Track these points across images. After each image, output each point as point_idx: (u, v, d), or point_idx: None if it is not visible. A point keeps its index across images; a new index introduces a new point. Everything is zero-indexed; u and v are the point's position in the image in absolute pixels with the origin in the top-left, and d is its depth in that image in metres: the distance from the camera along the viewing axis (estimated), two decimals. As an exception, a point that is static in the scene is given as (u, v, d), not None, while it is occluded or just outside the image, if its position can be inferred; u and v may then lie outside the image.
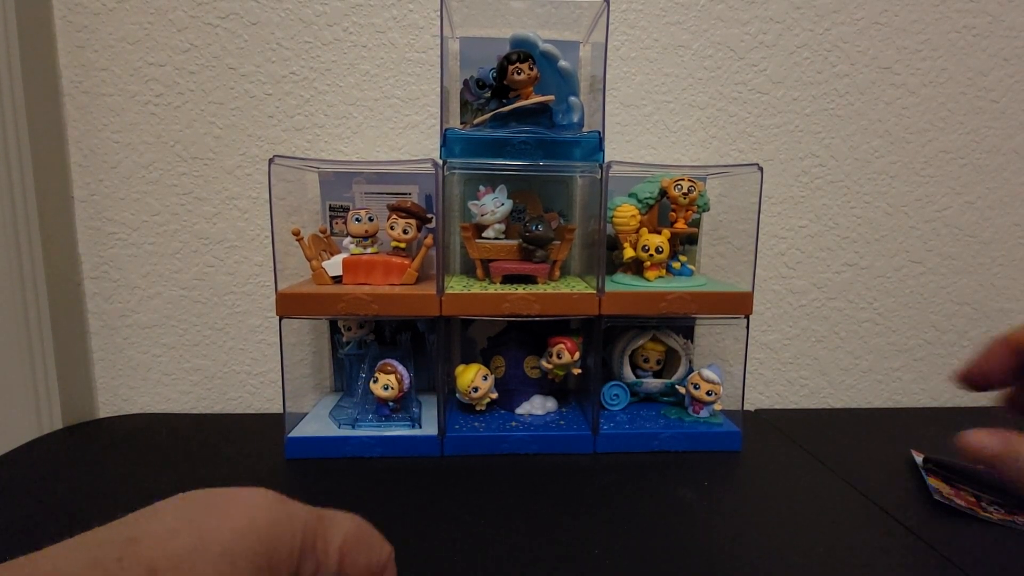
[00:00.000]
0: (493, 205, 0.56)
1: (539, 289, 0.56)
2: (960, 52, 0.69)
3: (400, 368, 0.57)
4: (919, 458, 0.56)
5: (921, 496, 0.50)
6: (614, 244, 0.62)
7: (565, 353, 0.58)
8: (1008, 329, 0.27)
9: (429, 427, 0.58)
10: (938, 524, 0.45)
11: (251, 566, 0.18)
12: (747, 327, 0.60)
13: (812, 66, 0.69)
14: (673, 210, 0.61)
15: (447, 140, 0.54)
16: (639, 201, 0.60)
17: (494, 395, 0.59)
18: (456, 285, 0.57)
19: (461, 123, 0.63)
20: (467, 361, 0.60)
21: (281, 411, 0.57)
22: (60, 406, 0.63)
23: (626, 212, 0.59)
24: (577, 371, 0.59)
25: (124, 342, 0.68)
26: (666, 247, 0.58)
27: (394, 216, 0.57)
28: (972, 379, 0.27)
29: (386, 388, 0.56)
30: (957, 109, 0.71)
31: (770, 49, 0.68)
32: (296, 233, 0.55)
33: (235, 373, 0.70)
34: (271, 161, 0.53)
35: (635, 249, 0.59)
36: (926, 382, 0.77)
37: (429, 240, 0.56)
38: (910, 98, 0.70)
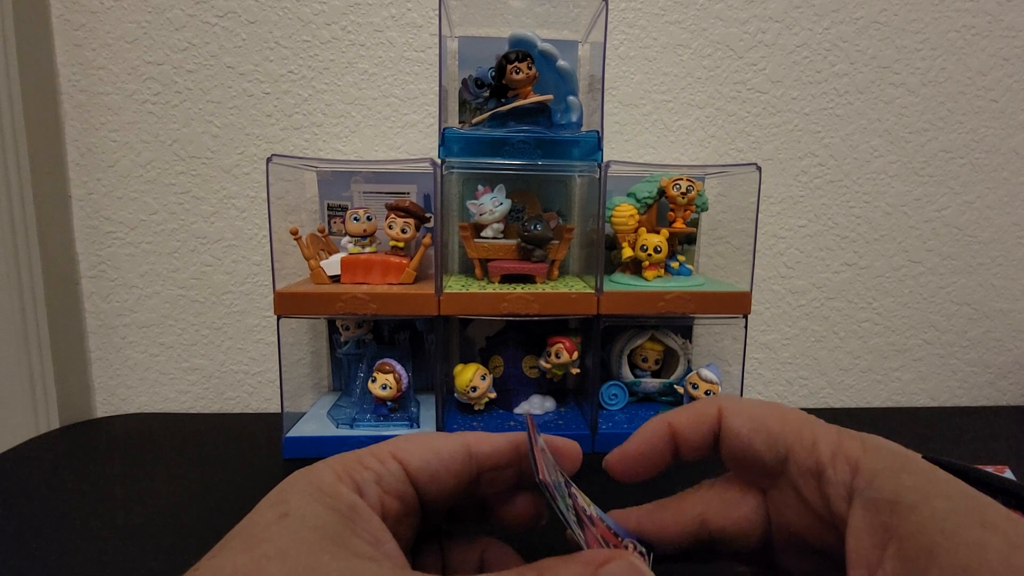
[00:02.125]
0: (491, 204, 0.56)
1: (537, 289, 0.56)
2: (959, 52, 0.69)
3: (398, 368, 0.57)
4: (918, 458, 0.56)
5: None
6: (612, 244, 0.62)
7: (563, 353, 0.58)
8: (668, 415, 0.24)
9: (427, 427, 0.58)
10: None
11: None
12: (745, 327, 0.60)
13: (811, 65, 0.69)
14: (672, 210, 0.61)
15: (445, 139, 0.54)
16: (637, 201, 0.60)
17: (492, 395, 0.59)
18: (454, 285, 0.57)
19: (459, 122, 0.63)
20: (465, 361, 0.60)
21: (279, 411, 0.57)
22: (57, 405, 0.63)
23: (624, 212, 0.59)
24: (575, 371, 0.59)
25: (122, 341, 0.68)
26: (664, 247, 0.58)
27: (392, 215, 0.57)
28: (625, 470, 0.24)
29: (384, 388, 0.56)
30: (956, 109, 0.71)
31: (769, 48, 0.68)
32: (294, 232, 0.55)
33: (233, 373, 0.70)
34: (269, 160, 0.53)
35: (633, 249, 0.59)
36: (925, 382, 0.77)
37: (427, 239, 0.56)
38: (909, 97, 0.70)
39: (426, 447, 0.23)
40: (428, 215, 0.60)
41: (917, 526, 0.16)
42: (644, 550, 0.23)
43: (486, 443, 0.24)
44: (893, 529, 0.17)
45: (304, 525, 0.18)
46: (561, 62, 0.57)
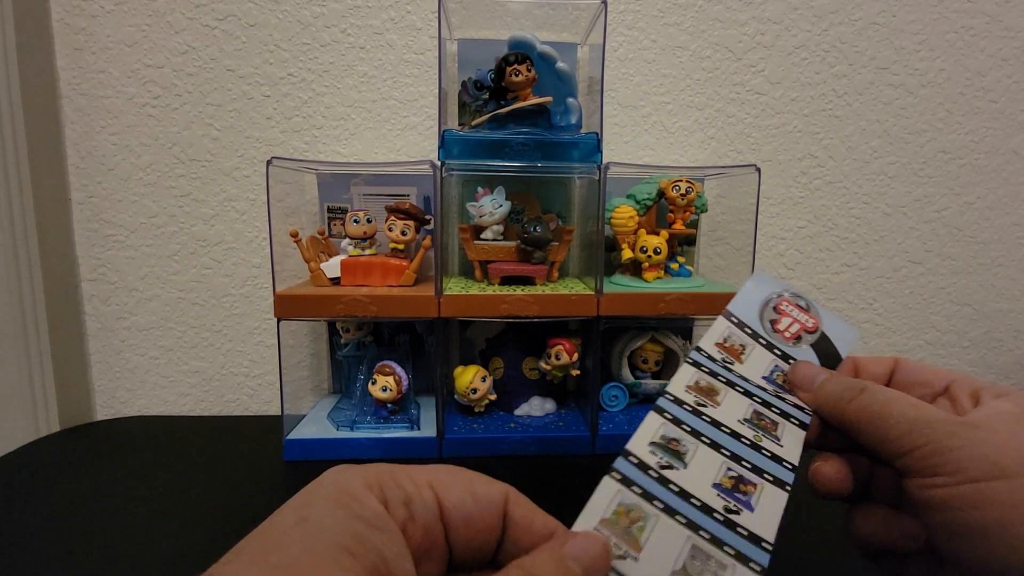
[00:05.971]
0: (491, 206, 0.56)
1: (537, 290, 0.56)
2: (958, 52, 0.69)
3: (398, 370, 0.57)
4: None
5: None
6: (612, 245, 0.62)
7: (564, 354, 0.58)
8: (851, 357, 0.32)
9: (428, 429, 0.58)
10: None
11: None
12: (746, 328, 0.59)
13: (810, 67, 0.69)
14: (671, 211, 0.61)
15: (445, 141, 0.54)
16: (637, 202, 0.60)
17: (493, 396, 0.59)
18: (454, 286, 0.57)
19: (459, 124, 0.63)
20: (465, 363, 0.60)
21: (279, 413, 0.57)
22: (57, 408, 0.63)
23: (624, 213, 0.59)
24: (576, 372, 0.59)
25: (122, 344, 0.68)
26: (664, 248, 0.58)
27: (392, 217, 0.57)
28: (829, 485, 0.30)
29: (384, 390, 0.56)
30: (955, 109, 0.71)
31: (768, 50, 0.68)
32: (294, 235, 0.55)
33: (233, 375, 0.70)
34: (269, 163, 0.53)
35: (633, 250, 0.59)
36: (925, 383, 0.77)
37: (427, 241, 0.56)
38: (908, 98, 0.70)
39: (464, 486, 0.21)
40: (428, 217, 0.60)
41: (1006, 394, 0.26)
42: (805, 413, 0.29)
43: (526, 508, 0.22)
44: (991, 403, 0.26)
45: (321, 532, 0.17)
46: (560, 64, 0.57)
